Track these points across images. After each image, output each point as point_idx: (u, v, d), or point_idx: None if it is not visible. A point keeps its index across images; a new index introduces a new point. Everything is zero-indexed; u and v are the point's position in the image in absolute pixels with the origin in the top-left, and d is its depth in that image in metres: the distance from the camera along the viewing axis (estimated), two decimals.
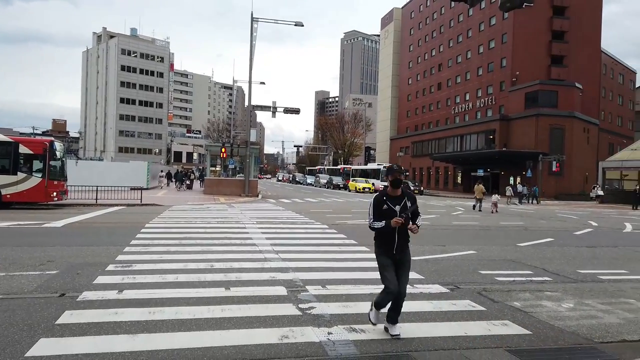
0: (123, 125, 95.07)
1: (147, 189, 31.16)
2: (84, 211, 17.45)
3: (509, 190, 33.77)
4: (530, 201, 37.23)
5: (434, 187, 63.19)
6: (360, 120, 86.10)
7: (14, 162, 17.79)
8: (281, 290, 6.25)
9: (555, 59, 52.88)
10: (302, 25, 30.43)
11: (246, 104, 43.62)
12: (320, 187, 58.33)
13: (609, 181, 40.44)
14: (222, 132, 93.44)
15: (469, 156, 52.56)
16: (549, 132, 46.13)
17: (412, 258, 8.90)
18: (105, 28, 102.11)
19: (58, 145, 19.30)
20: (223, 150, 33.94)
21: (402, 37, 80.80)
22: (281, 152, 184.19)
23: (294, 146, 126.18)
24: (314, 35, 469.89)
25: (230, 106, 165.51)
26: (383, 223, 4.66)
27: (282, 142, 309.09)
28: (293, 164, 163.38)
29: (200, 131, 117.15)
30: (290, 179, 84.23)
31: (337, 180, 55.99)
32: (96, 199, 20.64)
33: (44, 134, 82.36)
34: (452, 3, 58.54)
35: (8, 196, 17.51)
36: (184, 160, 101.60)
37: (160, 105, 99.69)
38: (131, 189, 22.91)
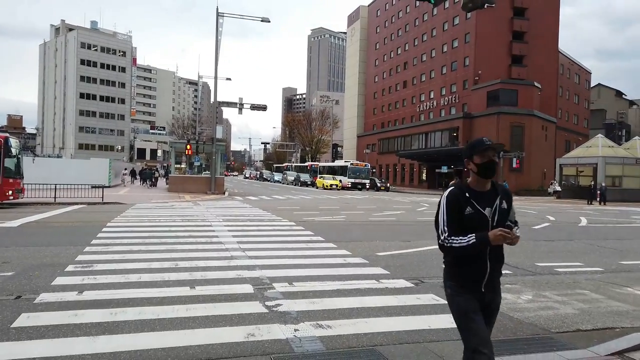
0: (83, 121, 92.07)
1: (109, 187, 30.31)
2: (41, 210, 16.81)
3: None
4: None
5: (399, 184, 64.13)
6: (327, 118, 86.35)
7: None
8: (248, 288, 6.21)
9: (515, 58, 54.54)
10: (269, 22, 30.23)
11: (212, 100, 43.03)
12: (287, 184, 58.20)
13: (566, 177, 42.03)
14: (187, 129, 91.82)
15: (434, 153, 53.61)
16: (510, 130, 47.58)
17: (378, 254, 9.11)
18: (64, 20, 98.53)
19: (13, 141, 18.51)
20: (188, 147, 33.35)
21: (368, 35, 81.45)
22: (248, 149, 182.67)
23: (261, 143, 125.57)
24: (280, 32, 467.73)
25: (195, 102, 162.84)
26: (471, 239, 2.75)
27: (249, 139, 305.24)
28: (260, 161, 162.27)
29: (164, 127, 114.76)
30: (258, 176, 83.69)
31: (305, 177, 56.03)
32: (55, 197, 19.92)
33: None
34: (417, 2, 59.41)
35: None
36: (147, 157, 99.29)
37: (123, 101, 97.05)
38: (92, 187, 22.20)
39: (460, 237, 2.77)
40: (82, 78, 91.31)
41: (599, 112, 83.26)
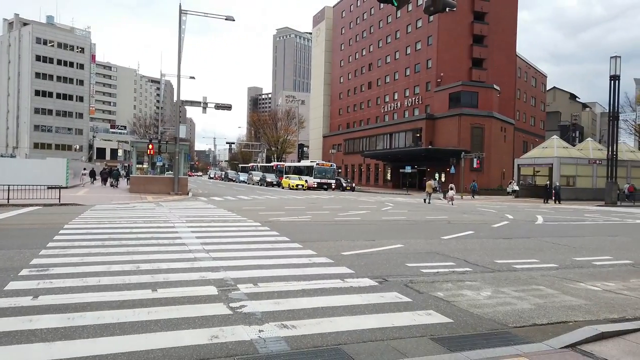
0: (39, 119, 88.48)
1: (66, 187, 29.25)
2: None
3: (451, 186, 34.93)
4: (473, 196, 40.32)
5: (365, 184, 64.77)
6: (293, 118, 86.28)
7: None
8: (211, 290, 6.14)
9: (475, 61, 56.09)
10: (233, 20, 29.92)
11: (175, 98, 42.20)
12: (253, 184, 57.78)
13: (524, 177, 43.53)
14: (149, 128, 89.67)
15: (398, 153, 54.44)
16: (470, 131, 48.90)
17: (343, 253, 9.18)
18: (18, 15, 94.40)
19: None
20: (150, 146, 32.58)
21: (333, 36, 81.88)
22: (213, 149, 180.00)
23: (226, 143, 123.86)
24: (245, 31, 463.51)
25: (158, 101, 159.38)
26: None
27: (214, 138, 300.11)
28: (225, 161, 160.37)
29: (125, 127, 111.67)
30: (223, 176, 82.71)
31: (271, 177, 55.78)
32: (8, 198, 19.05)
33: None
34: (381, 4, 60.24)
35: None
36: (107, 157, 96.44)
37: (81, 99, 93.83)
38: (48, 188, 21.36)
39: None
40: (38, 75, 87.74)
41: (554, 114, 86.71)
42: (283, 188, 48.32)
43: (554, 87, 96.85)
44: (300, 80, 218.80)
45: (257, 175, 59.86)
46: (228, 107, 33.63)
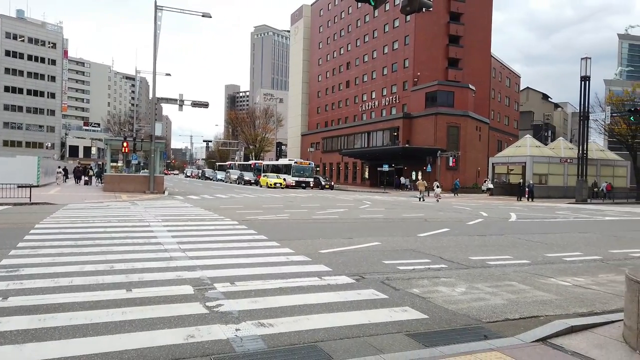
0: (8, 116, 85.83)
1: (37, 186, 28.51)
2: None
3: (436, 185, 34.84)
4: (455, 194, 41.30)
5: (343, 182, 64.99)
6: (271, 116, 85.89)
7: None
8: (187, 289, 6.08)
9: (451, 61, 56.84)
10: (210, 17, 29.61)
11: (151, 96, 41.53)
12: (231, 183, 57.35)
13: (498, 175, 44.37)
14: (124, 125, 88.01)
15: (375, 152, 54.81)
16: (447, 130, 49.58)
17: (321, 251, 9.21)
18: None
19: None
20: (125, 144, 31.98)
21: (311, 34, 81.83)
22: (190, 147, 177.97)
23: (203, 141, 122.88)
24: (223, 28, 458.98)
25: (133, 98, 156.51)
26: None
27: (191, 136, 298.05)
28: (202, 159, 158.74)
29: (99, 124, 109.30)
30: (200, 174, 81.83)
31: (249, 175, 55.46)
32: None
33: None
34: (359, 3, 60.49)
35: None
36: (80, 155, 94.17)
37: (53, 96, 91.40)
38: (19, 187, 20.77)
39: None
40: (7, 70, 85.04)
41: (528, 114, 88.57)
42: (261, 186, 48.12)
43: (527, 88, 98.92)
44: (279, 79, 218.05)
45: (234, 174, 59.41)
46: (205, 105, 33.28)
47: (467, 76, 56.17)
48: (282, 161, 58.78)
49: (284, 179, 47.75)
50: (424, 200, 31.16)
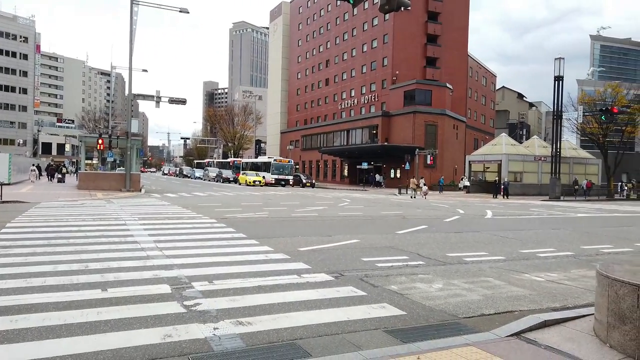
0: None
1: (9, 184, 27.74)
2: None
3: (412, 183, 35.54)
4: (440, 191, 41.95)
5: (322, 180, 65.07)
6: (250, 113, 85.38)
7: None
8: (165, 289, 6.01)
9: (429, 60, 57.43)
10: (188, 12, 29.22)
11: (127, 92, 40.80)
12: (209, 180, 56.84)
13: (474, 173, 45.05)
14: (99, 122, 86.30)
15: (355, 150, 55.04)
16: (425, 128, 50.10)
17: (300, 249, 9.21)
18: None
19: None
20: (100, 141, 31.39)
21: (291, 32, 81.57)
22: (167, 145, 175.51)
23: (181, 138, 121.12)
24: (201, 24, 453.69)
25: (108, 94, 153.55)
26: None
27: (168, 133, 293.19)
28: (180, 156, 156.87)
29: (73, 120, 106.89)
30: (177, 172, 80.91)
31: (227, 173, 55.01)
32: None
33: None
34: (338, 1, 60.61)
35: None
36: (54, 152, 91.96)
37: (25, 91, 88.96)
38: None
39: None
40: None
41: (503, 113, 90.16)
42: (240, 184, 47.82)
43: (503, 87, 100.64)
44: (258, 76, 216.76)
45: (213, 172, 58.90)
46: (183, 102, 32.87)
47: (444, 75, 56.82)
48: (262, 159, 58.53)
49: (264, 177, 47.57)
50: (415, 197, 32.62)
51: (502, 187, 36.43)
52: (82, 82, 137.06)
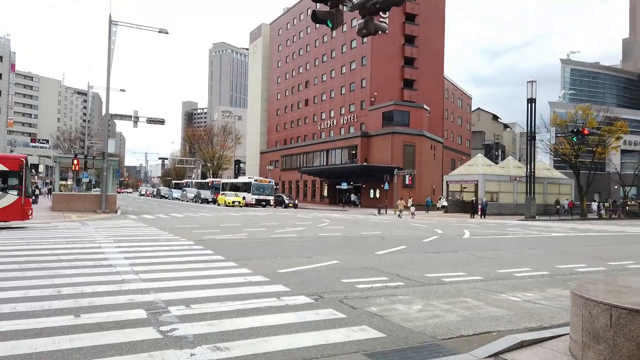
0: None
1: None
2: None
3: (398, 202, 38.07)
4: (427, 211, 42.24)
5: (302, 200, 64.93)
6: (230, 133, 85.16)
7: None
8: (140, 314, 5.87)
9: (407, 82, 58.56)
10: (167, 33, 29.29)
11: (104, 112, 40.34)
12: (187, 201, 56.18)
13: (452, 193, 45.65)
14: (74, 142, 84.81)
15: (334, 170, 55.26)
16: (403, 149, 50.74)
17: (279, 271, 9.14)
18: None
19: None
20: (75, 162, 30.87)
21: (270, 53, 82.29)
22: (145, 165, 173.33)
23: (159, 158, 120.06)
24: (180, 44, 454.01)
25: (85, 114, 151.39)
26: None
27: (146, 154, 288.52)
28: (158, 177, 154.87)
29: (47, 140, 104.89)
30: (155, 193, 79.82)
31: (206, 194, 54.49)
32: None
33: None
34: (317, 25, 61.60)
35: None
36: None
37: None
38: None
39: None
40: None
41: (479, 134, 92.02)
42: (219, 205, 47.38)
43: (478, 108, 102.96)
44: (237, 96, 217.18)
45: (191, 192, 58.27)
46: (161, 122, 32.66)
47: (421, 96, 57.93)
48: (242, 179, 58.18)
49: (243, 197, 47.23)
50: (401, 217, 34.41)
51: (480, 207, 36.96)
52: (58, 102, 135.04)
